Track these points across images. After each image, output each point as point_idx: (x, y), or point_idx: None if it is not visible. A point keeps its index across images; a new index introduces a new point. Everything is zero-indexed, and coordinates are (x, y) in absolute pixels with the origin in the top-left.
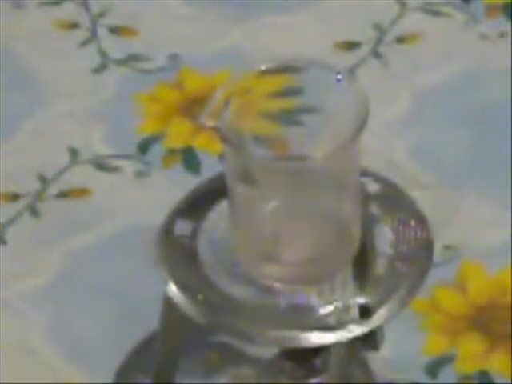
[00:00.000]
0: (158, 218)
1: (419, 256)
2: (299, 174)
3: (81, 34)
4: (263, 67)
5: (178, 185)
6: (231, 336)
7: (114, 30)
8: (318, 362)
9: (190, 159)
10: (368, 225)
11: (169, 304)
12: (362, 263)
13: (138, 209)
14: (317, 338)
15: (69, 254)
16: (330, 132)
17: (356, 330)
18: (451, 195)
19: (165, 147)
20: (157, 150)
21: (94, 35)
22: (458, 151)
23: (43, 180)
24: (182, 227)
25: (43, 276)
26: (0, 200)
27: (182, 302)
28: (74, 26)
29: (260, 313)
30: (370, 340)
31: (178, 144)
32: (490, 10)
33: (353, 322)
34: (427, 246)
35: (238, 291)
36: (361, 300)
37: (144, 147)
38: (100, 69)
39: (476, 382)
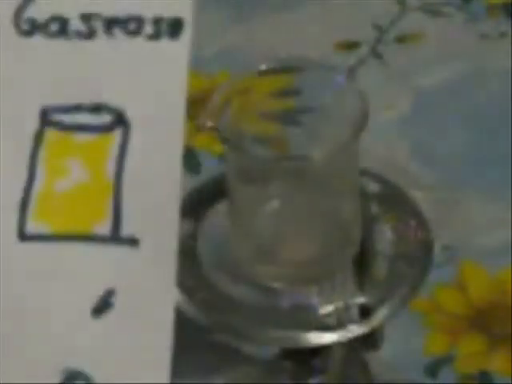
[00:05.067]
0: None
1: (419, 256)
2: (299, 173)
3: None
4: (263, 67)
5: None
6: (231, 336)
7: None
8: (317, 361)
9: (189, 159)
10: (368, 225)
11: None
12: (362, 263)
13: None
14: (317, 338)
15: None
16: (329, 132)
17: (356, 330)
18: (451, 195)
19: None
20: None
21: None
22: (458, 151)
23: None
24: (182, 227)
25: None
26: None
27: (181, 302)
28: None
29: (260, 313)
30: (370, 340)
31: None
32: (490, 9)
33: (353, 321)
34: (427, 246)
35: (238, 291)
36: (361, 300)
37: None
38: None
39: (476, 382)
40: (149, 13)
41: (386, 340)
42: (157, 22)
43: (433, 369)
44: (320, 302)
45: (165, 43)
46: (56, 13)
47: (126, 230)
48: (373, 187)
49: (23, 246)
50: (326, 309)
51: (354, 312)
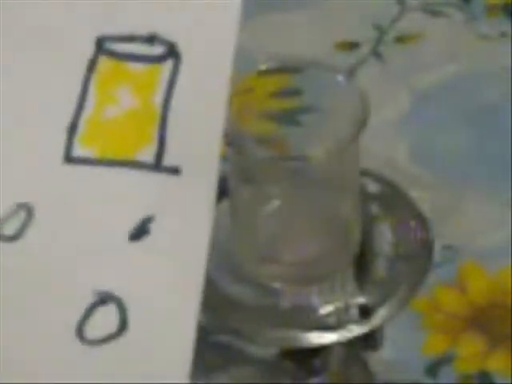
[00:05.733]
0: None
1: (419, 256)
2: (299, 173)
3: None
4: (263, 67)
5: None
6: (231, 336)
7: None
8: (317, 362)
9: None
10: (368, 225)
11: None
12: (362, 263)
13: None
14: (317, 338)
15: None
16: (330, 132)
17: (356, 330)
18: (451, 195)
19: None
20: None
21: None
22: (458, 151)
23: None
24: None
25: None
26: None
27: None
28: None
29: (260, 313)
30: (370, 340)
31: None
32: (490, 9)
33: (353, 322)
34: (427, 246)
35: (238, 291)
36: (361, 300)
37: None
38: None
39: (476, 382)
40: None
41: (386, 340)
42: None
43: (433, 369)
44: (320, 302)
45: None
46: None
47: (169, 159)
48: (373, 187)
49: (68, 168)
50: (326, 309)
51: (354, 312)
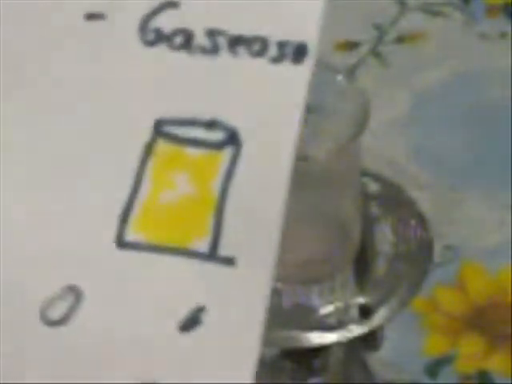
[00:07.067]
0: None
1: (419, 256)
2: (299, 173)
3: None
4: None
5: None
6: None
7: None
8: (317, 362)
9: None
10: (368, 225)
11: None
12: (362, 263)
13: None
14: (317, 338)
15: None
16: (330, 132)
17: (356, 330)
18: (451, 195)
19: None
20: None
21: None
22: (458, 151)
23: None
24: None
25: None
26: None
27: None
28: None
29: None
30: (370, 340)
31: None
32: (490, 10)
33: (353, 321)
34: (427, 246)
35: None
36: (361, 300)
37: None
38: None
39: (476, 382)
40: (275, 35)
41: (386, 340)
42: (282, 45)
43: (433, 369)
44: (320, 302)
45: (287, 67)
46: (182, 26)
47: (224, 249)
48: (373, 187)
49: (120, 253)
50: (327, 309)
51: (354, 312)
